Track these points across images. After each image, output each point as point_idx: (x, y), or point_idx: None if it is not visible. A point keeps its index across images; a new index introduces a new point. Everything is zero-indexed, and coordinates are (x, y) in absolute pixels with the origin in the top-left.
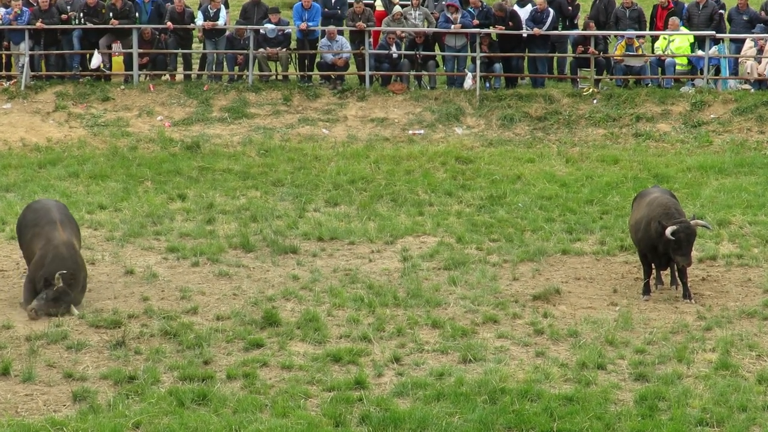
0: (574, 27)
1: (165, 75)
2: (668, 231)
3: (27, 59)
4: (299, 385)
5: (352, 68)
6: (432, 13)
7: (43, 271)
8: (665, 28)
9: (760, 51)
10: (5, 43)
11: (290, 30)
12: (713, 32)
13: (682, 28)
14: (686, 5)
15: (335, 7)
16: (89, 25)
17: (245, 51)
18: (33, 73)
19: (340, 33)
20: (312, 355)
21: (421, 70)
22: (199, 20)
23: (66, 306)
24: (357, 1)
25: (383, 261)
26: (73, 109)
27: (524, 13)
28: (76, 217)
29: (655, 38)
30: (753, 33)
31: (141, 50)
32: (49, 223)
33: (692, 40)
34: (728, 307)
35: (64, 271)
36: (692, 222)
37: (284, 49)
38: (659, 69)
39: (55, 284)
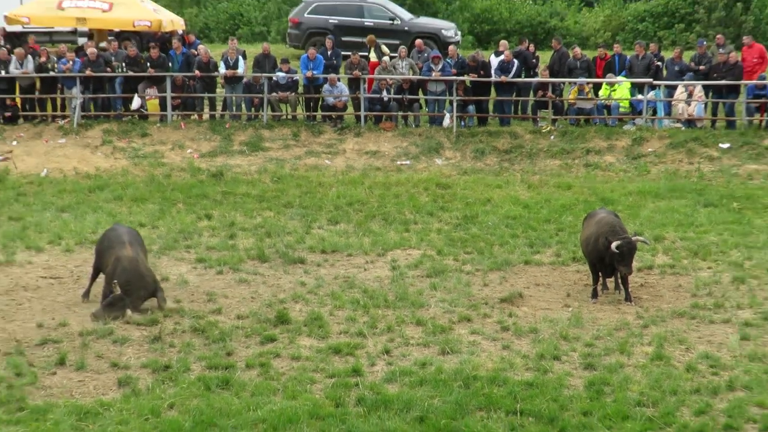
0: (536, 75)
1: (194, 115)
2: (614, 245)
3: (78, 101)
4: (306, 372)
5: (350, 109)
6: (416, 64)
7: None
8: (604, 75)
9: (690, 95)
10: (60, 87)
11: (298, 77)
12: (651, 80)
13: (620, 77)
14: (628, 57)
15: (331, 59)
16: (130, 73)
17: (260, 95)
18: (83, 113)
19: (340, 80)
20: (316, 348)
21: (407, 111)
22: (222, 69)
23: (121, 309)
24: (354, 54)
25: (376, 270)
26: (117, 143)
27: (494, 62)
28: None
29: (598, 86)
30: (684, 80)
31: (173, 94)
32: (120, 243)
33: (629, 86)
34: (662, 309)
35: (115, 281)
36: (633, 238)
37: (293, 93)
38: (605, 110)
39: (114, 291)
